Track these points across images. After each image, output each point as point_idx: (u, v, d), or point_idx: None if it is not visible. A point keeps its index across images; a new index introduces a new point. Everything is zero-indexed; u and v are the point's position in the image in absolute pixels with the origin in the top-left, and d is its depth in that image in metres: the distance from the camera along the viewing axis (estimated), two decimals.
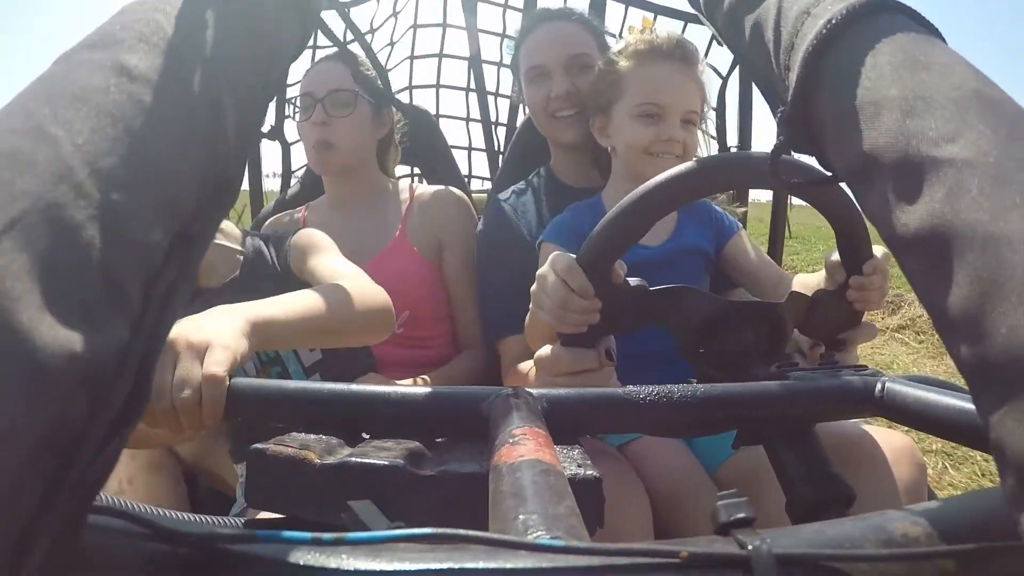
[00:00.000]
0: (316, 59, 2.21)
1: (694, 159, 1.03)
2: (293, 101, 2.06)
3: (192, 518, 0.67)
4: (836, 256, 1.17)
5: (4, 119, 0.37)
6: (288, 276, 1.66)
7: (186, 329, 0.92)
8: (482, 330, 1.89)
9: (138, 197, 0.38)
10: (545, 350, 1.12)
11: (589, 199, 1.74)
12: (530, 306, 1.15)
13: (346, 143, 1.95)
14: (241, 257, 1.69)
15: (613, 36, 2.07)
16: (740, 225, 1.78)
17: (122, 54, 0.42)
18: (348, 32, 2.36)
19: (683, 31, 2.56)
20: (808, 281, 1.37)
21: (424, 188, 2.13)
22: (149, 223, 0.39)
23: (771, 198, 2.51)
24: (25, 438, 0.29)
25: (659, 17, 2.57)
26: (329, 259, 1.59)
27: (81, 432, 0.32)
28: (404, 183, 2.16)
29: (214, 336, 0.92)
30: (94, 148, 0.37)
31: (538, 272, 1.12)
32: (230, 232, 1.73)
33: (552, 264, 1.07)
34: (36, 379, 0.30)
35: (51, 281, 0.32)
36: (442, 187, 2.14)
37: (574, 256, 1.05)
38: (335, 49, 2.12)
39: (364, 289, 1.38)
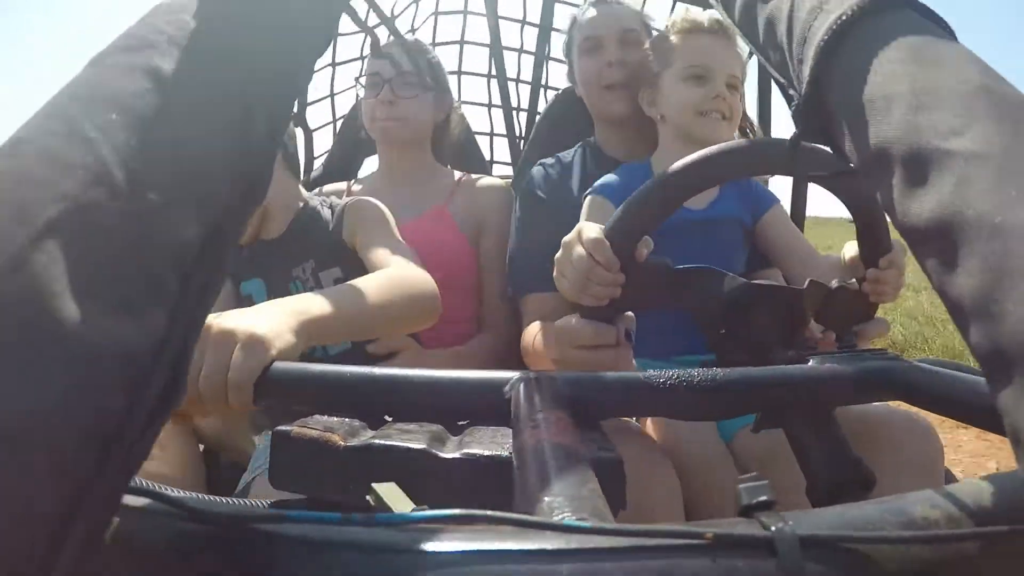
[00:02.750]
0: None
1: (719, 145, 1.03)
2: (359, 79, 2.22)
3: (223, 500, 0.68)
4: (854, 248, 1.17)
5: (42, 121, 0.38)
6: (339, 240, 1.70)
7: (223, 318, 0.93)
8: (509, 285, 1.90)
9: (172, 196, 0.39)
10: (567, 320, 1.13)
11: (637, 162, 1.80)
12: (553, 272, 1.15)
13: (414, 117, 2.04)
14: (299, 208, 1.74)
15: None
16: (777, 199, 1.83)
17: (153, 57, 0.43)
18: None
19: None
20: (826, 265, 1.38)
21: (471, 176, 2.20)
22: (183, 221, 0.39)
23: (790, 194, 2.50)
24: (68, 424, 0.30)
25: (676, 5, 2.58)
26: (381, 237, 1.61)
27: (120, 419, 0.33)
28: (454, 170, 2.22)
29: (251, 327, 0.92)
30: (128, 150, 0.38)
31: (564, 240, 1.12)
32: (294, 186, 1.77)
33: (579, 233, 1.07)
34: (81, 368, 0.31)
35: (91, 277, 0.33)
36: (490, 177, 2.22)
37: (601, 227, 1.05)
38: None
39: (410, 277, 1.39)
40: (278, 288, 1.67)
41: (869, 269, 1.16)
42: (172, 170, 0.40)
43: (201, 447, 1.67)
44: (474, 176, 2.19)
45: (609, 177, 1.73)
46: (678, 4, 2.59)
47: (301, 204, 1.76)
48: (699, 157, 1.00)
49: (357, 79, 2.23)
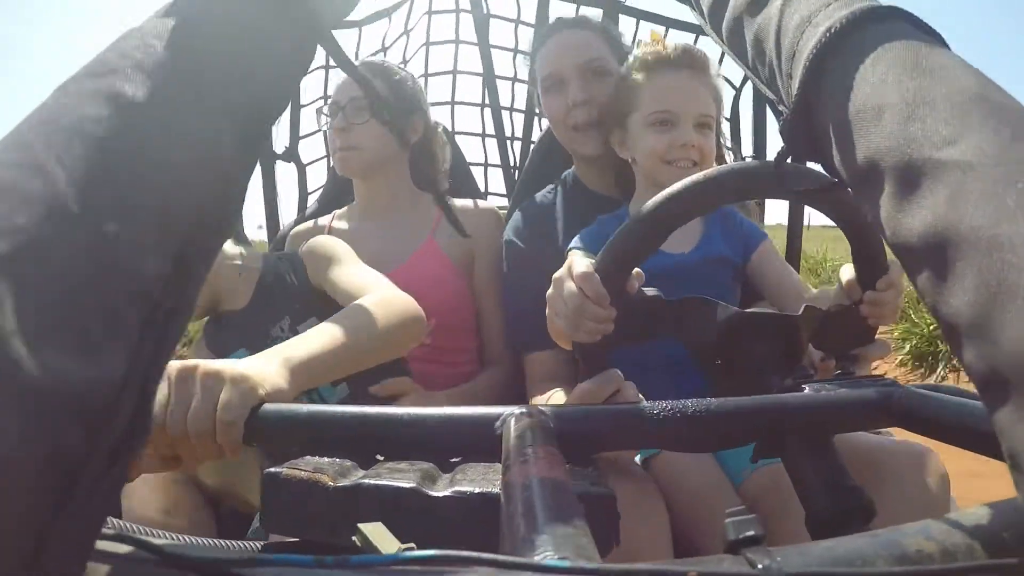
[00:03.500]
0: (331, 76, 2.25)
1: (704, 172, 1.03)
2: (321, 110, 2.11)
3: (204, 542, 0.67)
4: (851, 271, 1.17)
5: (1, 152, 0.37)
6: (308, 289, 1.67)
7: (209, 362, 0.92)
8: (507, 340, 1.88)
9: (133, 227, 0.38)
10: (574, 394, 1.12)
11: (617, 210, 1.75)
12: (546, 311, 1.15)
13: (366, 145, 1.95)
14: (260, 273, 1.71)
15: (627, 46, 2.05)
16: (766, 235, 1.78)
17: (118, 82, 0.42)
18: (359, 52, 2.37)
19: (695, 41, 2.57)
20: (824, 296, 1.37)
21: (457, 199, 2.12)
22: (145, 252, 0.38)
23: (786, 219, 2.50)
24: (21, 469, 0.29)
25: (670, 30, 2.58)
26: (348, 269, 1.59)
27: (80, 461, 0.32)
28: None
29: (238, 368, 0.91)
30: (88, 180, 0.37)
31: (555, 276, 1.11)
32: (250, 254, 1.75)
33: (569, 270, 1.06)
34: (30, 411, 0.30)
35: (45, 315, 0.32)
36: (476, 200, 2.15)
37: (592, 263, 1.04)
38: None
39: (391, 301, 1.38)
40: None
41: (867, 291, 1.15)
42: (133, 199, 0.39)
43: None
44: (459, 201, 2.12)
45: (589, 230, 1.69)
46: (670, 35, 2.60)
47: (260, 269, 1.74)
48: (685, 185, 1.00)
49: (319, 111, 2.16)
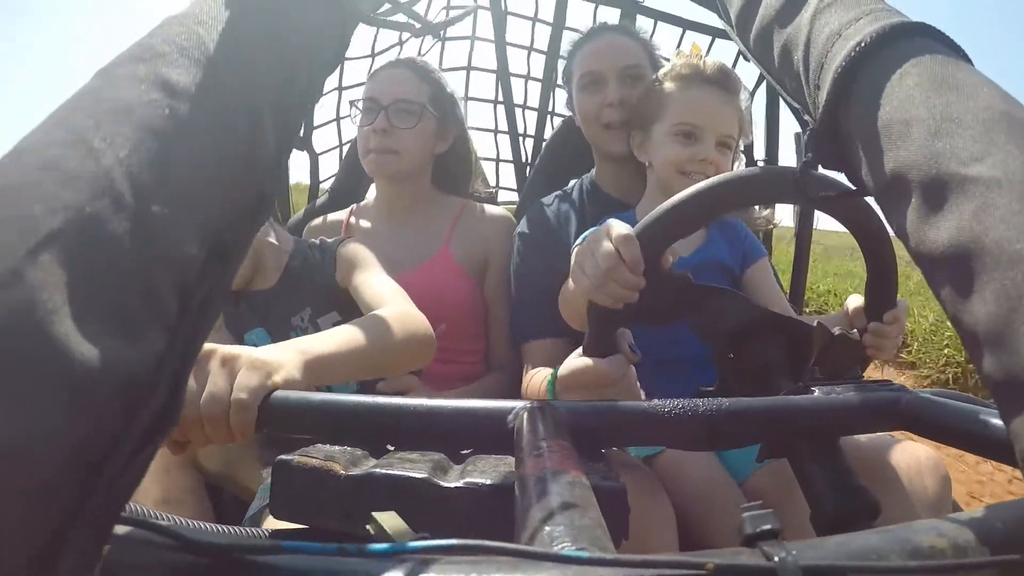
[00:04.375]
0: (377, 65, 2.25)
1: (760, 168, 1.04)
2: (355, 103, 2.05)
3: (219, 529, 0.67)
4: (859, 300, 1.17)
5: (48, 131, 0.38)
6: (332, 285, 1.67)
7: (226, 347, 0.92)
8: (510, 333, 1.89)
9: (176, 210, 0.38)
10: (570, 364, 1.12)
11: (623, 212, 1.75)
12: (570, 267, 1.14)
13: (407, 152, 1.93)
14: (289, 256, 1.70)
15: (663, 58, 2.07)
16: (765, 252, 1.79)
17: (163, 68, 0.43)
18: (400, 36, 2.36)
19: (710, 46, 2.57)
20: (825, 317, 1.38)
21: (474, 204, 2.10)
22: (187, 236, 0.39)
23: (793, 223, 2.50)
24: (60, 446, 0.30)
25: (686, 32, 2.58)
26: (374, 278, 1.59)
27: (114, 441, 0.33)
28: (455, 199, 2.12)
29: (255, 352, 0.92)
30: (135, 162, 0.37)
31: (590, 235, 1.11)
32: (281, 235, 1.74)
33: (608, 229, 1.05)
34: (72, 389, 0.30)
35: (89, 293, 0.32)
36: (492, 206, 2.13)
37: (632, 227, 1.04)
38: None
39: (406, 319, 1.37)
40: (280, 337, 1.62)
41: (872, 323, 1.15)
42: (178, 183, 0.39)
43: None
44: (477, 206, 2.10)
45: (595, 230, 1.68)
46: (687, 36, 2.60)
47: (289, 252, 1.73)
48: (741, 175, 1.00)
49: (353, 103, 2.08)
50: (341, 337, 1.18)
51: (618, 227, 1.05)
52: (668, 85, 1.67)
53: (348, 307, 1.62)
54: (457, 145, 2.09)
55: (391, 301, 1.46)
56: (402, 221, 2.04)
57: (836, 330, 1.14)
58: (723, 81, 1.65)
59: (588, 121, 1.94)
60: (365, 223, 2.08)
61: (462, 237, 2.01)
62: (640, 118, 1.73)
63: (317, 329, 1.62)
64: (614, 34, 2.00)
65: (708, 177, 1.56)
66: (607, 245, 1.04)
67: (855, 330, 1.20)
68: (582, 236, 1.66)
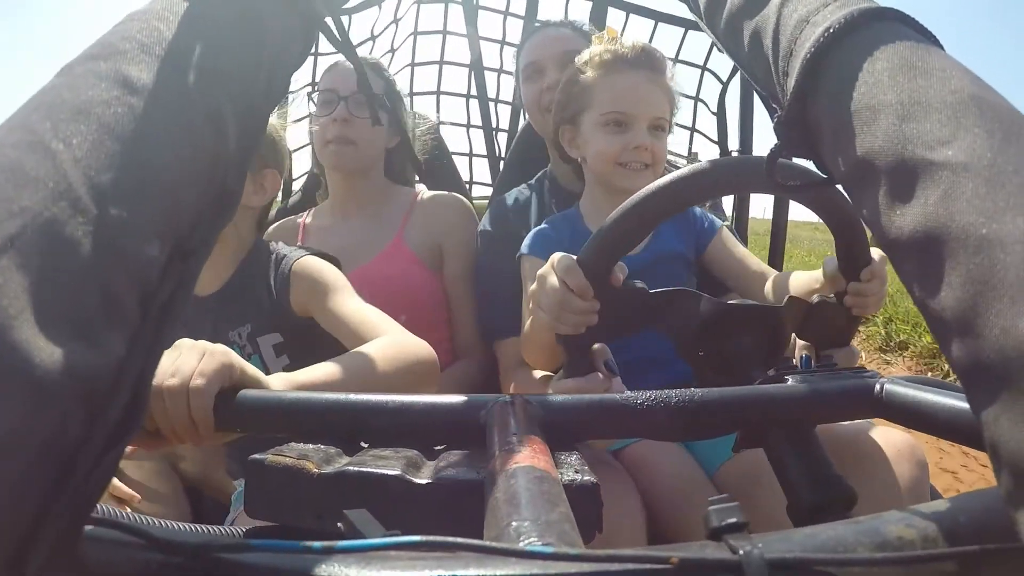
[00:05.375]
0: (319, 63, 2.28)
1: (695, 164, 1.03)
2: (311, 95, 2.08)
3: (189, 528, 0.67)
4: (835, 263, 1.17)
5: (6, 133, 0.37)
6: (282, 307, 1.54)
7: (188, 341, 0.92)
8: (480, 331, 1.90)
9: (136, 211, 0.38)
10: (553, 389, 1.13)
11: (566, 211, 1.74)
12: (528, 306, 1.15)
13: (365, 143, 1.95)
14: (243, 259, 1.62)
15: None
16: (721, 223, 1.76)
17: (123, 65, 0.42)
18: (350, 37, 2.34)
19: (683, 37, 2.58)
20: (802, 280, 1.37)
21: (425, 193, 2.12)
22: (147, 237, 0.39)
23: (770, 212, 2.52)
24: (22, 451, 0.29)
25: (659, 24, 2.59)
26: (351, 303, 1.46)
27: (78, 444, 0.33)
28: (407, 189, 2.15)
29: (231, 353, 0.91)
30: (93, 162, 0.37)
31: (538, 272, 1.12)
32: (241, 229, 1.65)
33: (552, 264, 1.07)
34: (33, 395, 0.30)
35: (48, 298, 0.32)
36: (443, 192, 2.13)
37: (575, 256, 1.05)
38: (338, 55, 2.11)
39: (406, 347, 1.30)
40: None
41: (851, 283, 1.15)
42: (137, 183, 0.39)
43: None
44: (429, 193, 2.12)
45: (539, 231, 1.67)
46: (659, 29, 2.60)
47: (245, 255, 1.62)
48: (675, 178, 1.00)
49: (310, 95, 2.10)
50: (332, 372, 1.13)
51: (560, 260, 1.06)
52: (590, 74, 1.62)
53: (295, 331, 1.54)
54: (407, 137, 2.11)
55: (386, 329, 1.36)
56: (355, 215, 2.05)
57: (814, 299, 1.14)
58: (646, 62, 1.60)
59: (531, 109, 2.01)
60: (320, 222, 2.09)
61: (416, 226, 2.02)
62: (566, 112, 1.68)
63: (256, 347, 1.54)
64: (554, 27, 2.07)
65: (645, 165, 1.56)
66: (552, 279, 1.06)
67: (834, 295, 1.19)
68: (524, 244, 1.66)
